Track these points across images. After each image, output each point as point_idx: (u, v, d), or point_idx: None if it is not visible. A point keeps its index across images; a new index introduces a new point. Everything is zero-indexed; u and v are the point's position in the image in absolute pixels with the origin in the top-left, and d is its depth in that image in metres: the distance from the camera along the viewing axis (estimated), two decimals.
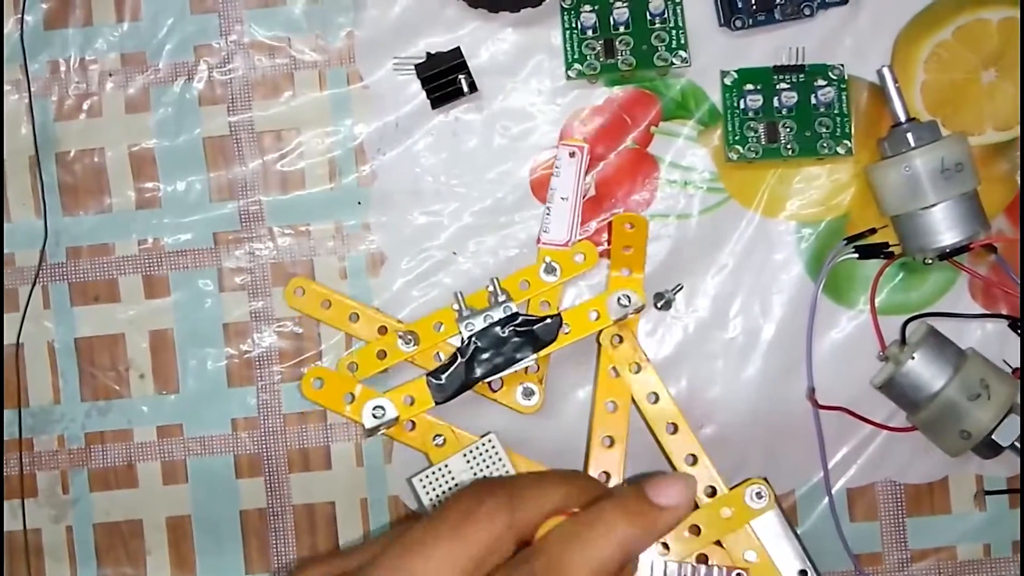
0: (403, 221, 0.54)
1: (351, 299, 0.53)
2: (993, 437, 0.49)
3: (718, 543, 0.49)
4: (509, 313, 0.50)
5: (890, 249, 0.52)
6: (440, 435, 0.51)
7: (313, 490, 0.54)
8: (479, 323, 0.50)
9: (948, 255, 0.50)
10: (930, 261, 0.50)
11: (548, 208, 0.52)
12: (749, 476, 0.52)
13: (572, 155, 0.52)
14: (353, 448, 0.54)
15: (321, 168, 0.54)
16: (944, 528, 0.54)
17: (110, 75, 0.54)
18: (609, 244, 0.53)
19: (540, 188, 0.53)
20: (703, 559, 0.49)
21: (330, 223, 0.54)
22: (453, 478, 0.49)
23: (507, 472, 0.49)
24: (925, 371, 0.50)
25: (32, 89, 0.54)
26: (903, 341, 0.51)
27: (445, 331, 0.52)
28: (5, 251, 0.54)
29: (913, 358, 0.50)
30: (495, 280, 0.51)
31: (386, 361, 0.52)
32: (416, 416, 0.51)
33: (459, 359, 0.50)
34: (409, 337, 0.51)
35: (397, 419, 0.50)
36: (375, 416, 0.50)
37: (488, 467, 0.49)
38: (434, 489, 0.49)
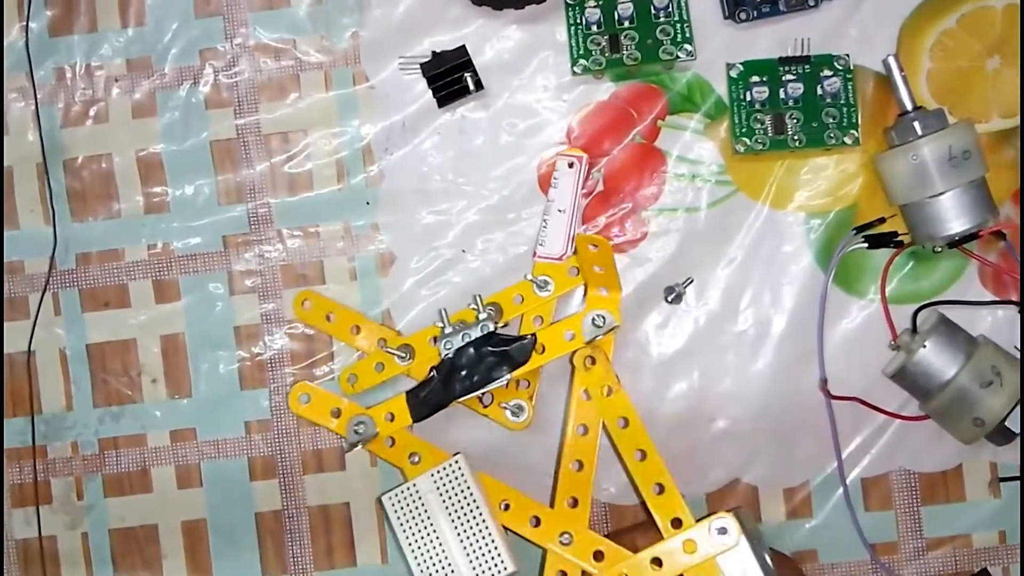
0: (411, 220, 0.54)
1: (353, 310, 0.53)
2: (1006, 424, 0.49)
3: None
4: (486, 332, 0.50)
5: (899, 238, 0.52)
6: (416, 453, 0.51)
7: (328, 491, 0.54)
8: (457, 341, 0.50)
9: (957, 243, 0.50)
10: (939, 249, 0.50)
11: (545, 221, 0.52)
12: (762, 468, 0.52)
13: (571, 166, 0.52)
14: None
15: (329, 169, 0.54)
16: (959, 516, 0.54)
17: (116, 81, 0.54)
18: (615, 240, 0.53)
19: (547, 184, 0.53)
20: None
21: (339, 224, 0.54)
22: (420, 498, 0.49)
23: (471, 494, 0.49)
24: (937, 359, 0.50)
25: (38, 96, 0.54)
26: (914, 330, 0.51)
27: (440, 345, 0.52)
28: (15, 259, 0.55)
29: (925, 346, 0.50)
30: (478, 297, 0.51)
31: (384, 374, 0.52)
32: (396, 432, 0.51)
33: (436, 377, 0.50)
34: (404, 352, 0.51)
35: (377, 435, 0.51)
36: (357, 432, 0.51)
37: (452, 488, 0.49)
38: (403, 507, 0.49)
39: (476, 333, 0.50)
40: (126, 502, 0.55)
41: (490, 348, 0.50)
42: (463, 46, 0.52)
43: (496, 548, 0.48)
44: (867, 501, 0.54)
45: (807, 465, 0.53)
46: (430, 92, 0.53)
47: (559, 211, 0.52)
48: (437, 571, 0.48)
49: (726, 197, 0.53)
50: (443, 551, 0.48)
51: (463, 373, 0.50)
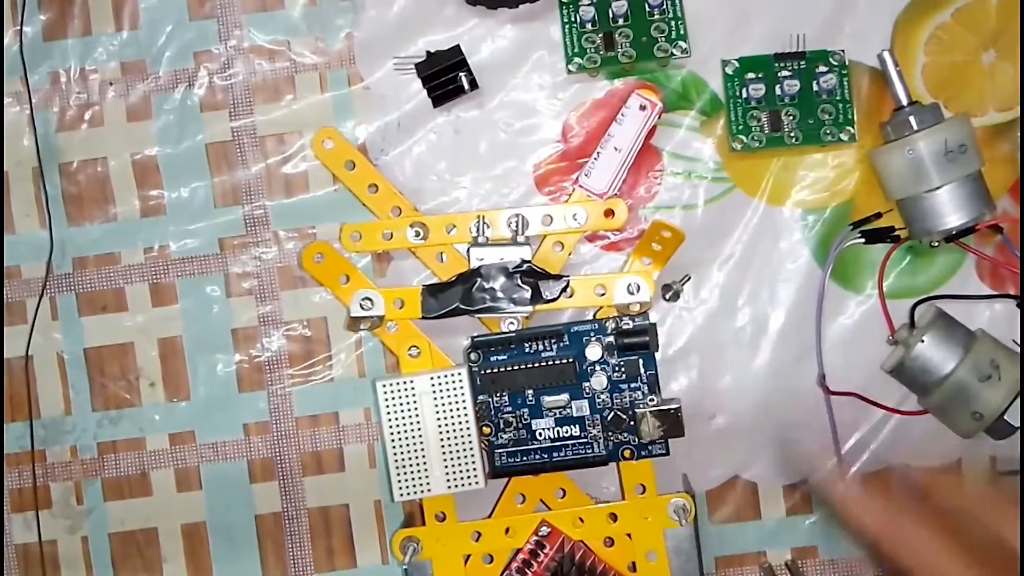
0: None
1: (377, 170, 0.53)
2: (1005, 417, 0.49)
3: (629, 535, 0.51)
4: (521, 259, 0.50)
5: (896, 233, 0.52)
6: (416, 347, 0.51)
7: (327, 493, 0.54)
8: (490, 256, 0.50)
9: (954, 237, 0.50)
10: (936, 243, 0.50)
11: (598, 152, 0.51)
12: (762, 465, 0.52)
13: (642, 108, 0.51)
14: (366, 450, 0.54)
15: (324, 170, 0.54)
16: None
17: (110, 84, 0.54)
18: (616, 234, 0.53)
19: (544, 183, 0.53)
20: (609, 542, 0.51)
21: (335, 225, 0.54)
22: (414, 395, 0.49)
23: (464, 407, 0.49)
24: (935, 354, 0.50)
25: (33, 100, 0.54)
26: (912, 324, 0.51)
27: (456, 236, 0.52)
28: (12, 264, 0.54)
29: (923, 341, 0.50)
30: (521, 216, 0.51)
31: (391, 243, 0.52)
32: (400, 320, 0.51)
33: (459, 284, 0.50)
34: (419, 229, 0.51)
35: (382, 319, 0.51)
36: (363, 307, 0.50)
37: (448, 397, 0.49)
38: (394, 398, 0.49)
39: (511, 256, 0.50)
40: (126, 506, 0.54)
41: (521, 275, 0.50)
42: (457, 45, 0.52)
43: (473, 462, 0.49)
44: None
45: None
46: (425, 92, 0.53)
47: (615, 148, 0.51)
48: (411, 464, 0.49)
49: (723, 194, 0.53)
50: (422, 449, 0.49)
51: (486, 291, 0.50)
